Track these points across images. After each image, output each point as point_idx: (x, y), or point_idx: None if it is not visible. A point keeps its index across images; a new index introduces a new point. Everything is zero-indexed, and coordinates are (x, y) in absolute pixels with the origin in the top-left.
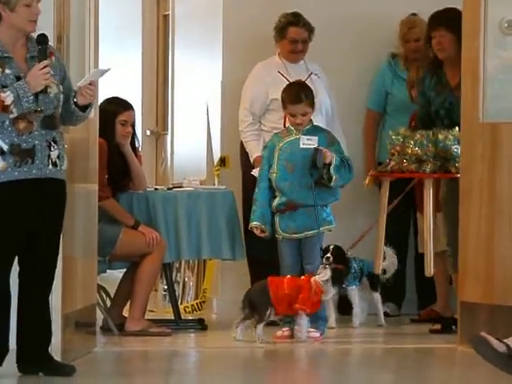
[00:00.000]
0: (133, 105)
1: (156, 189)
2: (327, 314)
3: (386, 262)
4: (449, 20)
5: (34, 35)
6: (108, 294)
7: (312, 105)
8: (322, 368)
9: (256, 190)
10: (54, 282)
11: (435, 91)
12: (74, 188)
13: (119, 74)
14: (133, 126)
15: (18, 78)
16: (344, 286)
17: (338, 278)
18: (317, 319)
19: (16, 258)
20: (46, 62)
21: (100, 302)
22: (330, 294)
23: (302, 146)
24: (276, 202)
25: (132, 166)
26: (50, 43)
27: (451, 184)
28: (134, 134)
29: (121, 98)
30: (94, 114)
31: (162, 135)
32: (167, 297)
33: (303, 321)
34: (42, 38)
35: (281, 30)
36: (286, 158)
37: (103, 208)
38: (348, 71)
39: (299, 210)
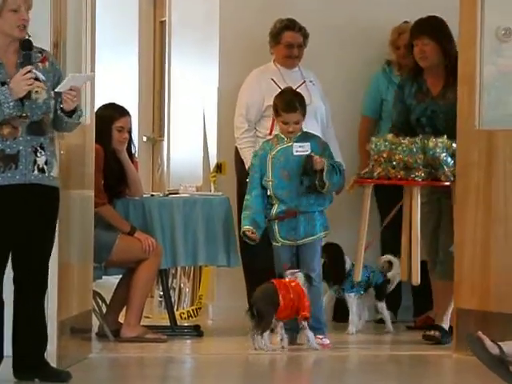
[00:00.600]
0: (129, 111)
1: (152, 195)
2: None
3: (392, 271)
4: (432, 28)
5: None
6: (104, 300)
7: (304, 113)
8: (317, 375)
9: (247, 197)
10: (50, 288)
11: (416, 99)
12: (69, 194)
13: (116, 80)
14: (129, 132)
15: (4, 84)
16: (341, 292)
17: (309, 281)
18: (321, 325)
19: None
20: (28, 68)
21: (96, 308)
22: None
23: (295, 153)
24: (275, 210)
25: (128, 172)
26: (46, 49)
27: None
28: (130, 140)
29: (117, 104)
30: (90, 120)
31: (159, 141)
32: (163, 303)
33: (309, 329)
34: (27, 44)
35: (276, 35)
36: (281, 166)
37: (99, 214)
38: (341, 78)
39: (299, 217)
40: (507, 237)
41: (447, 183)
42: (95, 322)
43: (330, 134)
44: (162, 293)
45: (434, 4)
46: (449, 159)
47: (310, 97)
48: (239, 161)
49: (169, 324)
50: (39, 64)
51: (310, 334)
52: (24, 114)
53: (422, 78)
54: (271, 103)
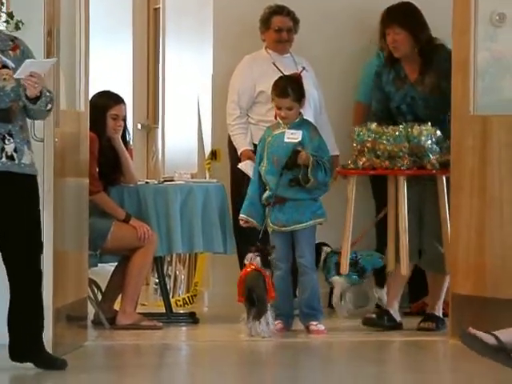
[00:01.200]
0: (124, 98)
1: (147, 182)
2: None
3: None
4: (403, 16)
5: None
6: (99, 288)
7: (299, 100)
8: (310, 361)
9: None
10: (45, 276)
11: (395, 86)
12: (64, 182)
13: (110, 68)
14: (124, 119)
15: None
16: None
17: (263, 262)
18: (315, 311)
19: None
20: None
21: (91, 295)
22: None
23: (285, 140)
24: (265, 195)
25: (123, 159)
26: (18, 37)
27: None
28: (124, 128)
29: (111, 91)
30: (84, 108)
31: (153, 129)
32: (158, 290)
33: (270, 315)
34: None
35: (265, 21)
36: (272, 151)
37: (94, 202)
38: (335, 64)
39: (288, 203)
40: (502, 222)
41: (434, 171)
42: (91, 310)
43: (323, 121)
44: (157, 280)
45: None
46: (434, 146)
47: (304, 84)
48: (233, 148)
49: (164, 311)
50: (10, 52)
51: (270, 320)
52: None
53: (400, 64)
54: (263, 89)
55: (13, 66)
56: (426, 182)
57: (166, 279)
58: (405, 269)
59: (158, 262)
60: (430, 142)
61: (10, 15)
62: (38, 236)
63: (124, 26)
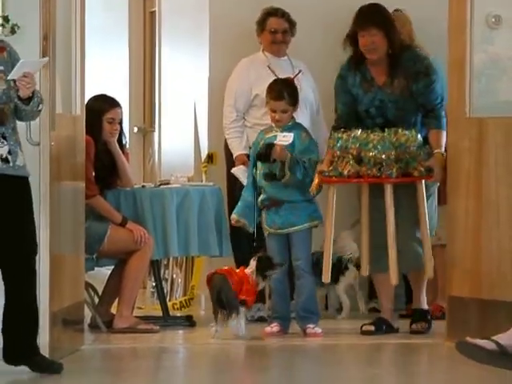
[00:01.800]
0: (120, 102)
1: (143, 186)
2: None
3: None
4: (379, 18)
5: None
6: (96, 292)
7: (294, 103)
8: (307, 363)
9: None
10: (42, 280)
11: (362, 89)
12: (60, 185)
13: (106, 71)
14: (120, 123)
15: None
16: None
17: (260, 268)
18: (311, 314)
19: None
20: None
21: (88, 299)
22: (261, 285)
23: (277, 142)
24: (260, 198)
25: (119, 163)
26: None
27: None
28: (121, 131)
29: (107, 95)
30: (80, 111)
31: (150, 132)
32: (155, 294)
33: (243, 319)
34: None
35: (261, 23)
36: None
37: (90, 205)
38: (331, 66)
39: (284, 206)
40: (499, 224)
41: (421, 179)
42: (87, 314)
43: (319, 123)
44: (154, 283)
45: None
46: (419, 152)
47: (300, 86)
48: (229, 151)
49: (161, 315)
50: None
51: (241, 321)
52: None
53: (365, 67)
54: (259, 92)
55: (1, 68)
56: (399, 187)
57: (163, 283)
58: (394, 278)
59: (155, 266)
60: (414, 148)
61: (6, 19)
62: (33, 237)
63: (120, 30)
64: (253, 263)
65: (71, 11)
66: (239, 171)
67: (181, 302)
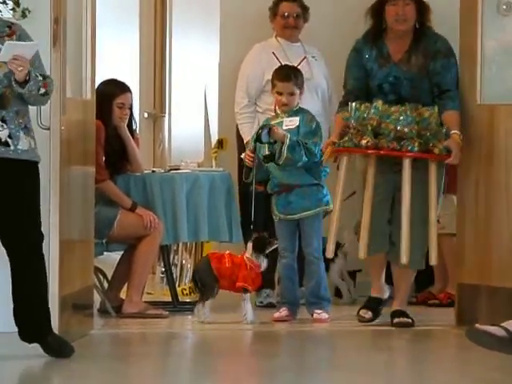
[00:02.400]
0: (130, 87)
1: (153, 171)
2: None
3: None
4: None
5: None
6: (105, 276)
7: (299, 87)
8: (314, 348)
9: None
10: (51, 265)
11: (377, 63)
12: (70, 170)
13: (117, 56)
14: (130, 108)
15: None
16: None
17: (257, 247)
18: (320, 300)
19: None
20: None
21: (97, 284)
22: (264, 265)
23: (284, 127)
24: (270, 184)
25: (129, 148)
26: (15, 23)
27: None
28: (131, 117)
29: (118, 80)
30: (90, 96)
31: (160, 117)
32: (165, 279)
33: (248, 304)
34: None
35: (273, 8)
36: None
37: (100, 190)
38: (344, 54)
39: (294, 191)
40: (509, 211)
41: (441, 157)
42: (97, 298)
43: (332, 110)
44: (163, 269)
45: None
46: (442, 130)
47: (311, 72)
48: (240, 137)
49: (170, 300)
50: (6, 38)
51: (248, 305)
52: None
53: (382, 42)
54: (269, 78)
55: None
56: (401, 171)
57: (172, 268)
58: (405, 257)
59: (165, 251)
60: (436, 125)
61: (17, 3)
62: (34, 224)
63: (131, 15)
64: (250, 245)
65: None
66: None
67: (190, 287)
